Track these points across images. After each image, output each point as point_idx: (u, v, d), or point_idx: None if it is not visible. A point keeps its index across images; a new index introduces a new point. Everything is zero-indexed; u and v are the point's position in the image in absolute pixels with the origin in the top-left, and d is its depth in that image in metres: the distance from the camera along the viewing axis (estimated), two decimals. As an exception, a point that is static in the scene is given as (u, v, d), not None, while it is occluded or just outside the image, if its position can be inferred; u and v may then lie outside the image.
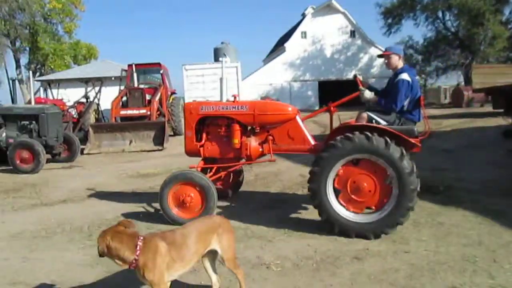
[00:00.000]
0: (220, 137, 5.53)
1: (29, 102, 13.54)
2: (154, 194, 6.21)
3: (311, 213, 5.19)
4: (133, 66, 15.06)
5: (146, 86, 15.15)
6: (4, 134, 10.30)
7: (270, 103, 5.66)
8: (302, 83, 35.33)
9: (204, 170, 5.59)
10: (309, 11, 35.99)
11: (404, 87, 4.65)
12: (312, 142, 5.23)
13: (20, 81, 36.02)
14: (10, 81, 14.36)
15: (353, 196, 4.50)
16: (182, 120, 15.89)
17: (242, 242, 4.40)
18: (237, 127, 5.35)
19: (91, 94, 15.22)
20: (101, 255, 2.76)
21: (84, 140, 12.73)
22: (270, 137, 5.29)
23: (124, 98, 14.90)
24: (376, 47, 33.97)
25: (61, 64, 34.82)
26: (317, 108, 28.54)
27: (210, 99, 18.41)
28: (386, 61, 5.01)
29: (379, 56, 5.43)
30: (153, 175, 8.60)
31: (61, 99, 15.81)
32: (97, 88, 15.10)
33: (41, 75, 37.65)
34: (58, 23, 36.27)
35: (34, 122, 10.13)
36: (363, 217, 4.50)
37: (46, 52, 34.32)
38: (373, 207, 4.55)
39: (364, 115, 4.89)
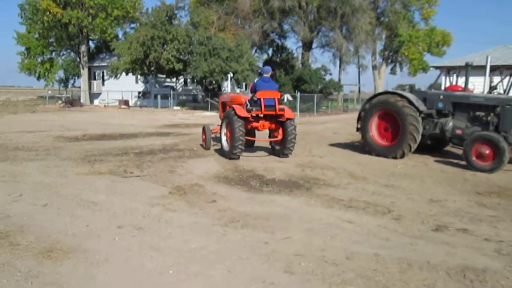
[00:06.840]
0: None
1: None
2: None
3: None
4: None
5: None
6: (451, 124, 9.53)
7: None
8: None
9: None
10: None
11: (252, 84, 9.30)
12: None
13: (374, 67, 38.04)
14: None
15: None
16: None
17: None
18: None
19: (499, 84, 13.02)
20: None
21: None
22: None
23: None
24: None
25: (415, 51, 34.40)
26: None
27: None
28: None
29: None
30: None
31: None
32: (507, 78, 12.80)
33: (391, 62, 38.64)
34: (416, 9, 35.87)
35: (492, 114, 8.88)
36: None
37: (402, 39, 34.49)
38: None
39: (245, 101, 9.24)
